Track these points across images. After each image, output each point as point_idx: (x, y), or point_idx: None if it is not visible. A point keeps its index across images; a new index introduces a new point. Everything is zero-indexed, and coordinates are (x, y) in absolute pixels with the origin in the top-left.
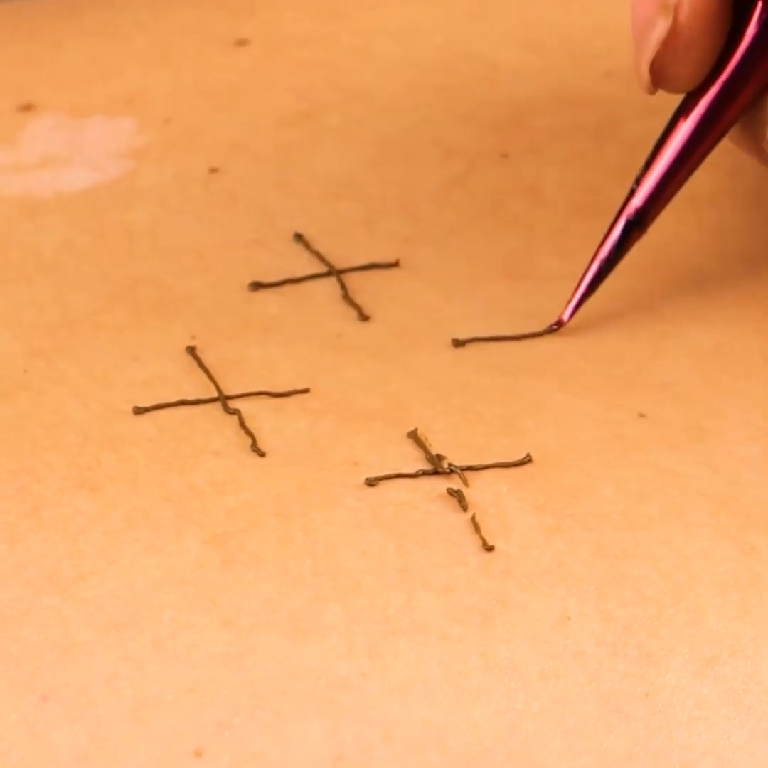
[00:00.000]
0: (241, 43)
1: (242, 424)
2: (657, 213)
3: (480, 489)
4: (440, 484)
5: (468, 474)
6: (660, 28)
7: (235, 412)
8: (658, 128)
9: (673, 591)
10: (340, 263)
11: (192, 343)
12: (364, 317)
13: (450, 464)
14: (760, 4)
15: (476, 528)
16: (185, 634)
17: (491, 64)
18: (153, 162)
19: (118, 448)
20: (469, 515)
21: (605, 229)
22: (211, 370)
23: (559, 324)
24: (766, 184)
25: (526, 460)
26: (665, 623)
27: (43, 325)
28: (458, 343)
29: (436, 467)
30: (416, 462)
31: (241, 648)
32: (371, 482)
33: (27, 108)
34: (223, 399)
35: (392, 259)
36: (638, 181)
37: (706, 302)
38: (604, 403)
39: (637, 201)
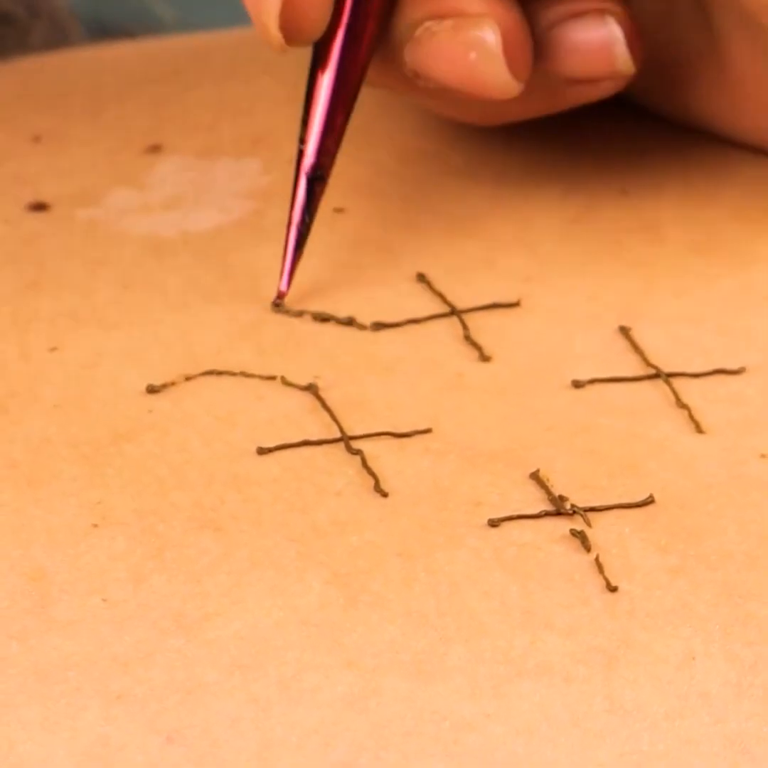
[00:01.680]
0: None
1: (365, 464)
2: (332, 163)
3: (603, 530)
4: (563, 525)
5: (591, 515)
6: None
7: (357, 452)
8: None
9: None
10: (461, 303)
11: (315, 383)
12: (485, 357)
13: (573, 505)
14: None
15: (600, 568)
16: (309, 676)
17: (608, 100)
18: (278, 202)
19: (242, 488)
20: (592, 556)
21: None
22: (334, 410)
23: (281, 296)
24: None
25: (649, 501)
26: None
27: (169, 364)
28: (578, 384)
29: (559, 508)
30: (538, 503)
31: (365, 689)
32: (494, 523)
33: (155, 149)
34: (346, 439)
35: (513, 299)
36: (303, 140)
37: None
38: (725, 443)
39: (309, 159)
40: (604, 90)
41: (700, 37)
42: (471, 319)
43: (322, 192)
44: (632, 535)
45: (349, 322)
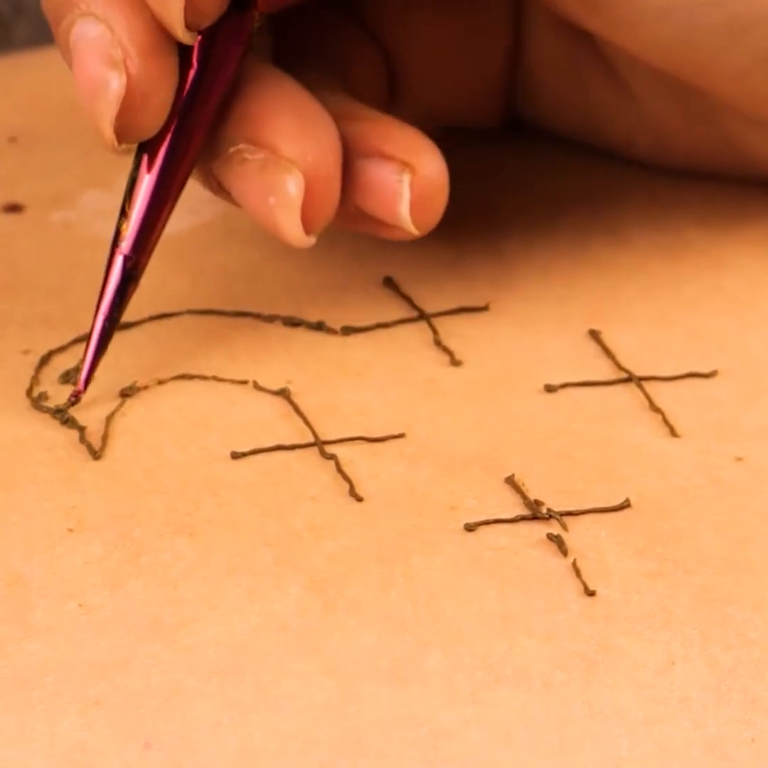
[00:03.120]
0: None
1: (339, 469)
2: (146, 262)
3: (579, 534)
4: (539, 530)
5: (567, 519)
6: (115, 85)
7: (332, 457)
8: None
9: None
10: (429, 307)
11: (287, 387)
12: (456, 362)
13: (549, 509)
14: (197, 41)
15: (577, 573)
16: (287, 682)
17: None
18: None
19: (217, 492)
20: (569, 560)
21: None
22: (306, 415)
23: (76, 395)
24: None
25: (625, 505)
26: None
27: (140, 367)
28: (551, 389)
29: (535, 512)
30: (514, 507)
31: (343, 695)
32: (470, 527)
33: (129, 152)
34: (319, 444)
35: (481, 303)
36: (119, 232)
37: None
38: (699, 447)
39: (124, 252)
40: (393, 235)
41: (608, 84)
42: (440, 324)
43: (133, 290)
44: (609, 539)
45: (319, 326)
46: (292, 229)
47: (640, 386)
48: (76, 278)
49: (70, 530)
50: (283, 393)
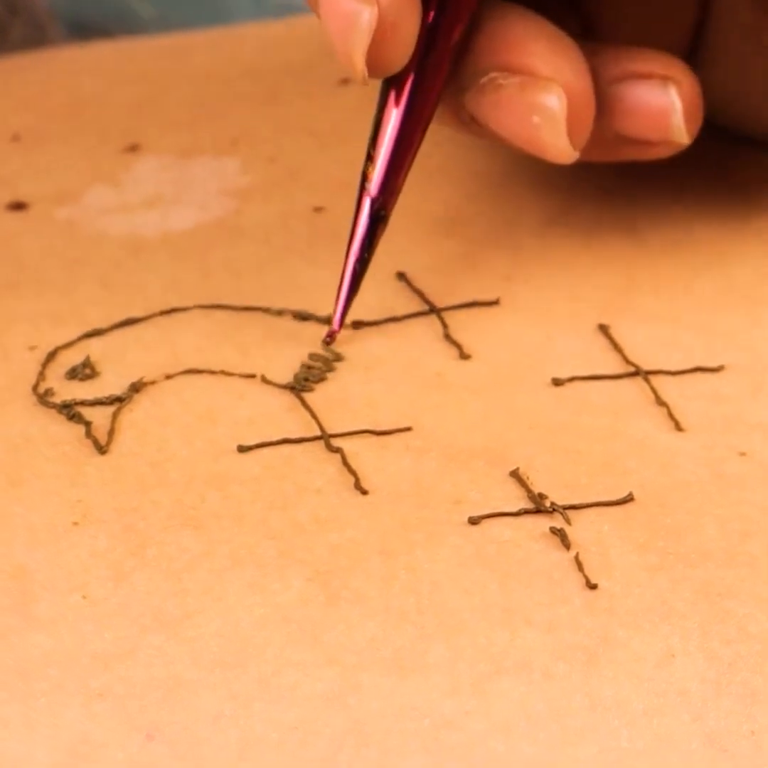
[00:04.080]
0: (344, 82)
1: (345, 462)
2: (394, 203)
3: (582, 527)
4: (543, 523)
5: (570, 513)
6: (367, 17)
7: (338, 450)
8: (757, 165)
9: None
10: (441, 301)
11: (295, 381)
12: (464, 356)
13: (552, 503)
14: None
15: (579, 566)
16: (290, 673)
17: None
18: (258, 201)
19: (222, 486)
20: (572, 554)
21: (354, 226)
22: (314, 409)
23: (332, 335)
24: None
25: (628, 499)
26: None
27: (151, 362)
28: (558, 382)
29: (539, 506)
30: (519, 501)
31: (345, 686)
32: (474, 520)
33: (133, 149)
34: (326, 437)
35: (493, 297)
36: (366, 177)
37: None
38: (705, 441)
39: (372, 195)
40: (657, 154)
41: None
42: (451, 318)
43: (382, 231)
44: (611, 533)
45: (329, 320)
46: (560, 145)
47: (646, 380)
48: (81, 274)
49: (75, 524)
50: (291, 387)
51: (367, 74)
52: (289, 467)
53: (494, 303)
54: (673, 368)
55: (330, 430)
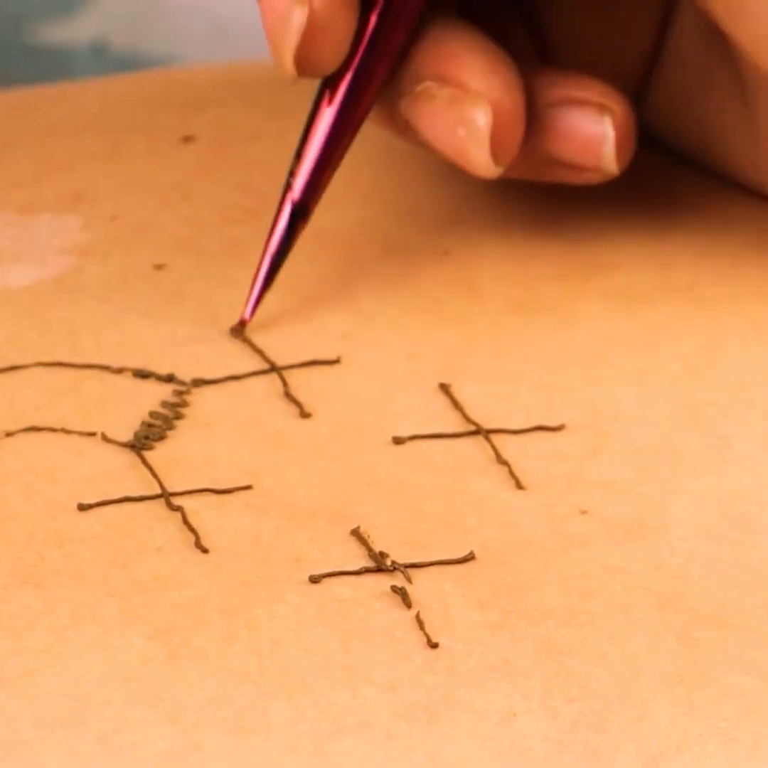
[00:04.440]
0: (188, 139)
1: (185, 520)
2: (316, 201)
3: (424, 586)
4: (384, 582)
5: (411, 571)
6: (298, 17)
7: (178, 508)
8: (593, 226)
9: (618, 686)
10: (281, 360)
11: (135, 439)
12: (305, 414)
13: (393, 562)
14: None
15: (420, 625)
16: (130, 731)
17: (431, 162)
18: (98, 259)
19: (62, 544)
20: (413, 612)
21: (270, 228)
22: (154, 467)
23: (243, 323)
24: (699, 278)
25: (469, 557)
26: (611, 719)
27: None
28: (399, 441)
29: (380, 564)
30: (359, 559)
31: (186, 745)
32: (315, 579)
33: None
34: (166, 496)
35: (333, 356)
36: (293, 174)
37: (645, 400)
38: (546, 500)
39: (296, 194)
40: (586, 179)
41: (734, 106)
42: (291, 376)
43: (303, 227)
44: (453, 592)
45: (170, 378)
46: (482, 159)
47: (487, 439)
48: None
49: None
50: (131, 446)
51: (295, 73)
52: (130, 525)
53: (335, 362)
54: (513, 427)
55: (170, 488)
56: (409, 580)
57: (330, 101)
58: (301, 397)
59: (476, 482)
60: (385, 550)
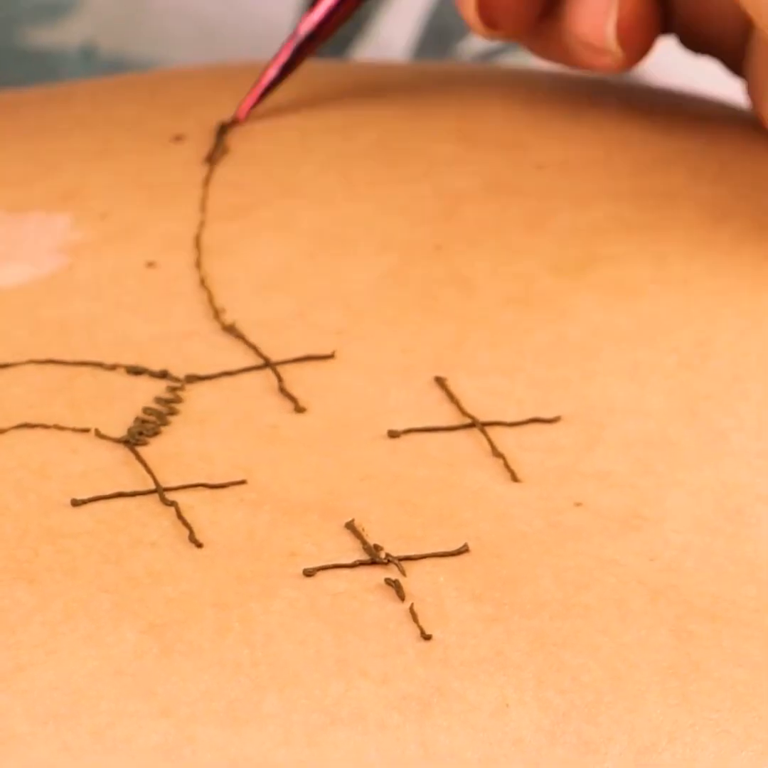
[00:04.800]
0: (178, 138)
1: (179, 515)
2: (332, 27)
3: (418, 579)
4: (378, 574)
5: (405, 564)
6: None
7: (172, 503)
8: (588, 219)
9: (611, 678)
10: (275, 355)
11: (129, 435)
12: (299, 409)
13: (387, 554)
14: None
15: (414, 617)
16: (124, 725)
17: (425, 157)
18: (89, 257)
19: (55, 540)
20: (406, 605)
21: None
22: (148, 463)
23: (236, 121)
24: (694, 271)
25: (464, 550)
26: (604, 710)
27: None
28: (394, 434)
29: (374, 557)
30: (354, 552)
31: (179, 738)
32: (309, 572)
33: None
34: (160, 491)
35: (327, 351)
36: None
37: (641, 392)
38: (541, 492)
39: (314, 16)
40: (604, 65)
41: None
42: (285, 372)
43: (310, 51)
44: (447, 584)
45: (163, 374)
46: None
47: (483, 431)
48: None
49: None
50: (125, 441)
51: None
52: (124, 521)
53: (329, 357)
54: (508, 420)
55: (164, 484)
56: (403, 572)
57: None
58: (295, 392)
59: (471, 475)
60: (379, 543)
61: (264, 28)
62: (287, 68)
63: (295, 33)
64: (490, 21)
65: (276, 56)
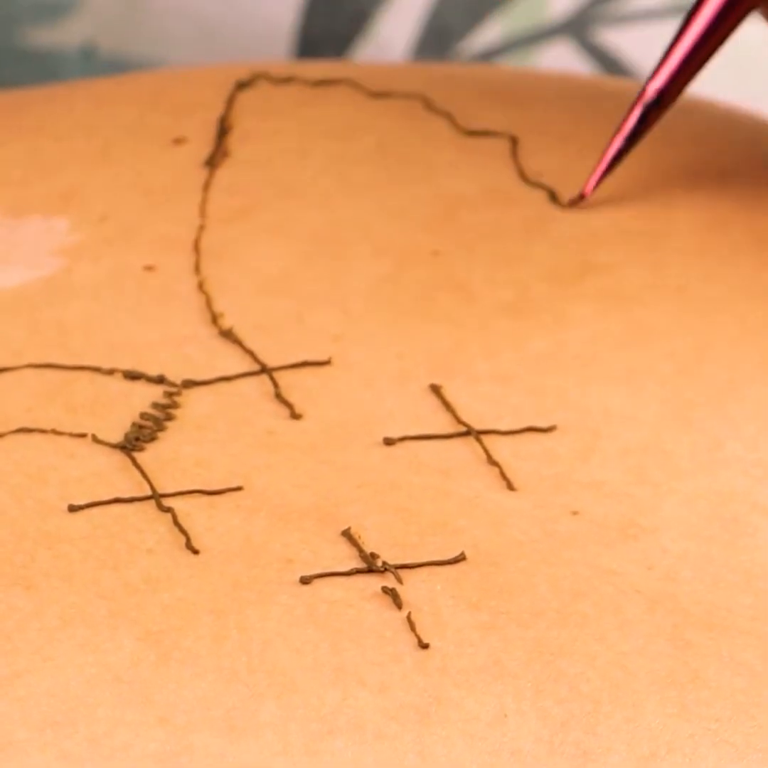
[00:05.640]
0: (179, 141)
1: (176, 521)
2: (677, 92)
3: (414, 587)
4: (374, 582)
5: (402, 572)
6: None
7: (168, 510)
8: (585, 226)
9: (609, 688)
10: (273, 360)
11: (126, 441)
12: (296, 415)
13: (384, 562)
14: None
15: (411, 626)
16: (121, 732)
17: (424, 162)
18: (88, 259)
19: (52, 545)
20: (403, 613)
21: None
22: (145, 468)
23: (582, 197)
24: (690, 278)
25: (460, 558)
26: (602, 720)
27: None
28: (390, 442)
29: (370, 565)
30: (350, 560)
31: (176, 746)
32: (306, 580)
33: None
34: (157, 497)
35: (324, 357)
36: (659, 65)
37: (636, 400)
38: (537, 501)
39: (657, 82)
40: None
41: None
42: (282, 377)
43: (656, 118)
44: (444, 593)
45: (160, 380)
46: None
47: (478, 440)
48: None
49: None
50: (122, 447)
51: None
52: (120, 527)
53: (326, 363)
54: (504, 428)
55: (161, 490)
56: (400, 580)
57: None
58: (291, 398)
59: (467, 483)
60: (376, 551)
61: (264, 28)
62: (633, 138)
63: (640, 96)
64: None
65: (621, 126)
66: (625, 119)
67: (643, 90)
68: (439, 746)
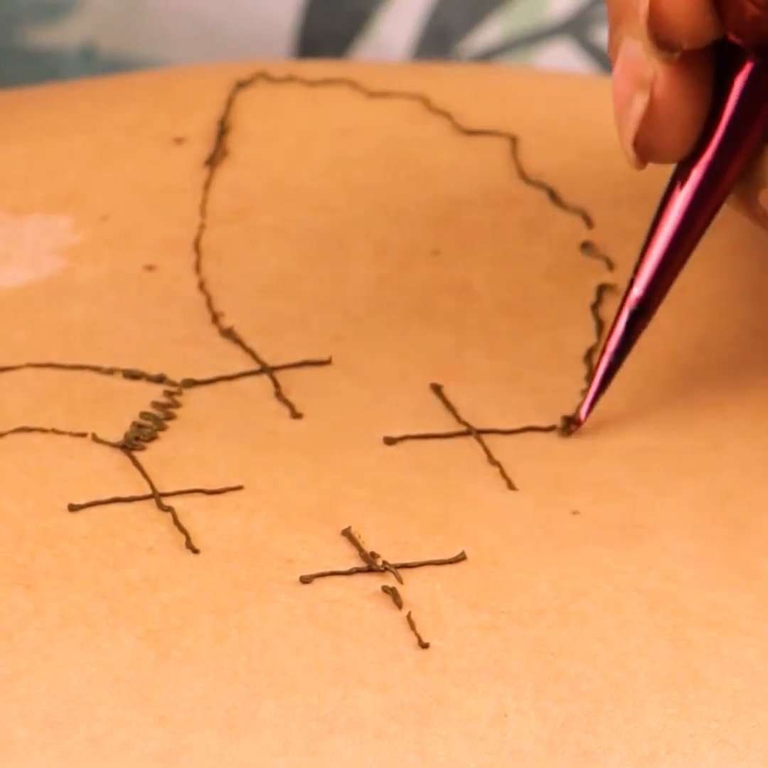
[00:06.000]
0: (179, 141)
1: (176, 521)
2: (660, 299)
3: (415, 586)
4: (375, 582)
5: (402, 571)
6: (638, 104)
7: (169, 509)
8: (586, 226)
9: (610, 688)
10: (273, 360)
11: (126, 440)
12: (296, 415)
13: (384, 562)
14: (748, 66)
15: (411, 625)
16: (121, 732)
17: (425, 163)
18: (89, 260)
19: (53, 544)
20: (404, 613)
21: (611, 321)
22: (145, 468)
23: (578, 423)
24: (691, 279)
25: (461, 558)
26: (603, 720)
27: None
28: (390, 441)
29: (371, 565)
30: (350, 560)
31: (176, 745)
32: (306, 579)
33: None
34: (157, 496)
35: (325, 357)
36: (636, 270)
37: (638, 401)
38: (537, 500)
39: (637, 291)
40: None
41: None
42: (282, 377)
43: (642, 327)
44: (444, 592)
45: (160, 379)
46: None
47: (478, 439)
48: None
49: None
50: (122, 446)
51: (635, 159)
52: (120, 526)
53: (326, 362)
54: (505, 427)
55: (161, 489)
56: (400, 580)
57: (682, 185)
58: (292, 397)
59: (468, 483)
60: (376, 551)
61: (264, 28)
62: (619, 354)
63: (623, 303)
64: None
65: (604, 346)
66: (609, 337)
67: (623, 305)
68: (439, 746)
